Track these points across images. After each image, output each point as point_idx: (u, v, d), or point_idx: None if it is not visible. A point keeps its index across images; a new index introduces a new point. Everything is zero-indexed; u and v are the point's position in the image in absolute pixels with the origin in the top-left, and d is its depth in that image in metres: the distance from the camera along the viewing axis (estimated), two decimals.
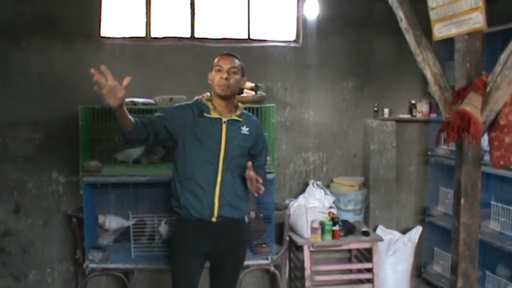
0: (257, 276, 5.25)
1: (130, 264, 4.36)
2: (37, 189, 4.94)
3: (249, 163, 3.17)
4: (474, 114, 2.64)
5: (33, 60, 4.83)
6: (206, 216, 3.26)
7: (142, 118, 3.20)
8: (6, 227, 4.93)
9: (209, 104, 3.30)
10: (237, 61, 3.31)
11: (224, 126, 3.27)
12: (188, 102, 3.40)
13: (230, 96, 3.30)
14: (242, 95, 4.55)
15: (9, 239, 4.95)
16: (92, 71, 2.84)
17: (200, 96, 3.40)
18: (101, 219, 4.58)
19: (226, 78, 3.21)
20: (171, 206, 3.40)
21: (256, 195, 3.20)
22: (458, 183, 2.92)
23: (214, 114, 3.28)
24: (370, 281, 4.91)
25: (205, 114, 3.27)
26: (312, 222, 4.78)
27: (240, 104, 3.47)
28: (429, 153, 5.40)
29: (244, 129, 3.34)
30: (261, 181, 3.13)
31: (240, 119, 3.35)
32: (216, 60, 3.32)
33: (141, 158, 4.74)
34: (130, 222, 4.43)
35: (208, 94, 3.39)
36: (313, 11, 5.13)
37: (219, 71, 3.25)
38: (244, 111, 3.46)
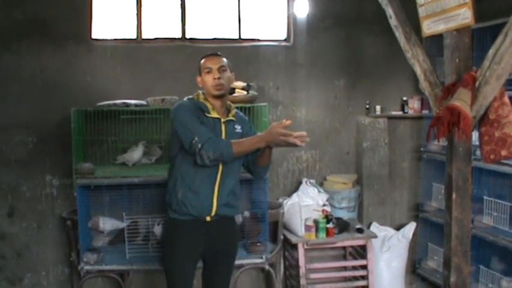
0: (252, 275, 5.26)
1: (125, 265, 4.37)
2: (31, 192, 4.93)
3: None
4: (464, 109, 2.66)
5: (24, 64, 4.82)
6: (203, 214, 3.27)
7: (210, 134, 3.13)
8: (0, 231, 4.93)
9: (208, 104, 3.30)
10: (223, 59, 3.32)
11: (223, 126, 3.29)
12: (185, 100, 3.36)
13: (225, 95, 3.32)
14: (234, 94, 4.58)
15: (3, 242, 4.94)
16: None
17: (195, 95, 3.39)
18: (95, 221, 4.58)
19: (218, 78, 3.22)
20: (166, 202, 3.39)
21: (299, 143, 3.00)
22: (450, 178, 2.94)
23: (214, 114, 3.28)
24: (365, 277, 4.92)
25: (206, 114, 3.27)
26: (306, 220, 4.79)
27: (231, 103, 3.49)
28: (422, 149, 5.42)
29: (238, 128, 3.37)
30: (304, 133, 3.02)
31: (234, 119, 3.38)
32: (202, 62, 3.32)
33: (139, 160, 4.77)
34: (124, 224, 4.43)
35: (201, 93, 3.37)
36: (303, 9, 5.14)
37: (208, 72, 3.25)
38: (236, 110, 3.49)
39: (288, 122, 3.01)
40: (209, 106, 3.29)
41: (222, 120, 3.29)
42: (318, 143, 5.48)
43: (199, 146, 3.05)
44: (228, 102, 3.45)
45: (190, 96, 3.40)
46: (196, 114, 3.21)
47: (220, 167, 3.26)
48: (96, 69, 4.95)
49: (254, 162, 3.38)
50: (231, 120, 3.34)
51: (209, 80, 3.24)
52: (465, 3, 2.66)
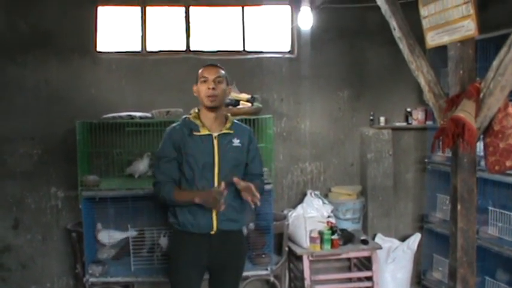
0: (257, 287, 5.25)
1: (131, 277, 4.37)
2: (36, 205, 4.95)
3: (235, 179, 3.16)
4: (468, 120, 2.66)
5: (29, 76, 4.86)
6: (205, 231, 3.26)
7: (166, 177, 3.28)
8: (5, 243, 4.94)
9: (197, 122, 3.27)
10: (221, 71, 3.30)
11: (215, 141, 3.23)
12: (175, 125, 3.35)
13: (218, 107, 3.27)
14: (238, 106, 4.58)
15: (8, 254, 4.95)
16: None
17: (188, 115, 3.37)
18: (100, 233, 4.59)
19: (213, 88, 3.20)
20: (170, 222, 3.39)
21: (253, 206, 3.19)
22: (455, 189, 2.94)
23: (204, 131, 3.24)
24: None
25: (195, 133, 3.24)
26: (311, 231, 4.79)
27: (229, 115, 3.43)
28: (426, 160, 5.41)
29: (236, 141, 3.30)
30: (257, 195, 3.15)
31: (231, 131, 3.31)
32: (200, 71, 3.30)
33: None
34: (129, 236, 4.43)
35: (196, 110, 3.37)
36: (307, 22, 5.14)
37: (204, 82, 3.23)
38: (236, 121, 3.43)
39: (224, 190, 3.11)
40: (199, 124, 3.26)
41: (214, 135, 3.24)
42: (323, 154, 5.49)
43: (153, 184, 3.37)
44: (227, 114, 3.41)
45: (184, 116, 3.39)
46: (176, 144, 3.26)
47: (216, 183, 3.22)
48: (101, 81, 4.98)
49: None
50: (227, 133, 3.29)
51: (204, 89, 3.23)
52: (469, 15, 2.67)
